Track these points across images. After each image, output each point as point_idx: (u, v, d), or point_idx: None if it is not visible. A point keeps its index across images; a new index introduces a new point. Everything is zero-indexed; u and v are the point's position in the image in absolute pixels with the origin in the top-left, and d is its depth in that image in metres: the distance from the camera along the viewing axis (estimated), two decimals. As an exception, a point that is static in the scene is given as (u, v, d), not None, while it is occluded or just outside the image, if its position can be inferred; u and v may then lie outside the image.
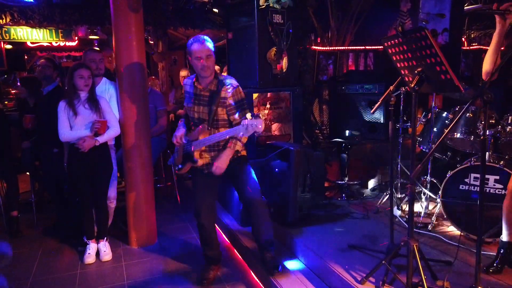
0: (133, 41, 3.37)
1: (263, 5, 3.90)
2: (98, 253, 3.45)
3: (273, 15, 4.08)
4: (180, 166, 2.94)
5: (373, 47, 6.77)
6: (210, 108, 2.74)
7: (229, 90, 2.72)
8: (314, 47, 6.21)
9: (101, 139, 3.24)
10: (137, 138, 3.49)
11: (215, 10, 5.70)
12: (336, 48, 6.37)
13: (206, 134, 2.76)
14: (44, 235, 4.02)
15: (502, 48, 2.31)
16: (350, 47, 6.55)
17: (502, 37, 2.21)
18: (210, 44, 2.71)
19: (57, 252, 3.62)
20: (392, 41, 2.26)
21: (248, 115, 2.43)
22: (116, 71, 3.46)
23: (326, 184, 4.28)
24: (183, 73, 5.81)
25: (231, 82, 2.77)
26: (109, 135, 3.31)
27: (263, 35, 4.08)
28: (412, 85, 2.18)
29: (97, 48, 6.63)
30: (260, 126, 2.39)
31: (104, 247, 3.45)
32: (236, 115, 2.72)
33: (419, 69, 2.15)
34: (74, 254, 3.56)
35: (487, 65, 2.29)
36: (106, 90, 3.63)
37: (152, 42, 6.76)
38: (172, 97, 6.36)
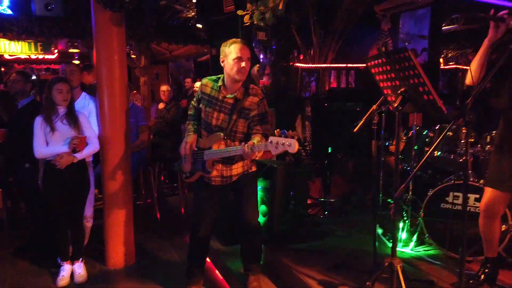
0: (115, 55, 3.31)
1: (248, 22, 3.92)
2: (72, 275, 3.30)
3: (257, 32, 4.11)
4: (188, 174, 2.77)
5: (354, 65, 6.88)
6: (231, 118, 2.58)
7: (255, 101, 2.59)
8: (297, 64, 6.27)
9: (79, 156, 3.14)
10: (117, 154, 3.40)
11: (199, 25, 5.71)
12: (319, 65, 6.44)
13: (222, 144, 2.58)
14: (16, 255, 3.83)
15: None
16: (332, 65, 6.64)
17: (491, 44, 2.25)
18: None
19: (29, 274, 3.45)
20: (376, 61, 2.28)
21: (277, 131, 2.33)
22: (97, 85, 3.39)
23: (309, 201, 4.26)
24: (164, 87, 5.75)
25: (257, 92, 2.63)
26: (88, 152, 3.21)
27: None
28: (395, 105, 2.19)
29: (77, 62, 6.53)
30: (293, 146, 2.17)
31: (79, 268, 3.31)
32: (258, 127, 2.57)
33: (402, 89, 2.17)
34: (47, 276, 3.39)
35: (472, 71, 2.32)
36: (86, 105, 3.54)
37: (134, 57, 6.70)
38: (154, 111, 6.28)
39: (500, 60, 1.95)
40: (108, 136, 3.37)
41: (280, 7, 3.54)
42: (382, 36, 6.29)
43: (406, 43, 5.58)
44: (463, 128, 3.09)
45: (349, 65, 6.81)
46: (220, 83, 2.65)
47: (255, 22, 3.93)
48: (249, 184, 2.76)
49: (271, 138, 2.27)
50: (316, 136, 5.43)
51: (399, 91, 2.19)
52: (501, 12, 2.21)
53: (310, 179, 4.53)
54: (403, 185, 2.06)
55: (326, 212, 4.22)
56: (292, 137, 2.25)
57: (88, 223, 3.51)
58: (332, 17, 6.24)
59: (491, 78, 2.07)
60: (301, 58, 6.61)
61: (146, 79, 6.72)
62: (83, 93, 3.61)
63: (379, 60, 2.24)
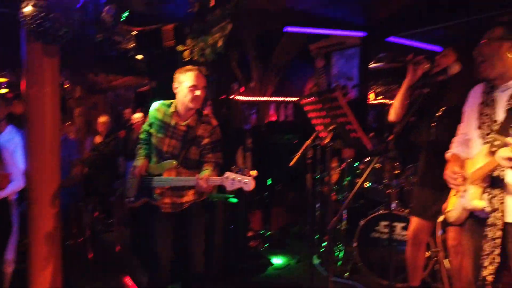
0: (47, 87, 3.16)
1: (188, 58, 3.98)
2: (-11, 327, 2.96)
3: (198, 67, 4.16)
4: (132, 199, 2.64)
5: (292, 99, 7.19)
6: (184, 145, 2.53)
7: (207, 129, 2.56)
8: (237, 97, 6.42)
9: (1, 194, 2.90)
10: (45, 190, 3.18)
11: (140, 56, 5.66)
12: (259, 98, 6.65)
13: (173, 172, 2.50)
14: None
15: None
16: (271, 98, 6.89)
17: (410, 85, 2.46)
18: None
19: None
20: (308, 99, 2.43)
21: (234, 168, 2.30)
22: (26, 118, 3.19)
23: (249, 234, 4.27)
24: (102, 119, 5.56)
25: (210, 120, 2.62)
26: (11, 189, 2.98)
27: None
28: (326, 141, 2.33)
29: (4, 90, 6.12)
30: (249, 185, 2.22)
31: (-2, 318, 2.99)
32: (210, 155, 2.54)
33: (332, 127, 2.32)
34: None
35: (395, 108, 2.54)
36: (11, 139, 3.31)
37: (69, 87, 6.43)
38: (89, 144, 6.01)
39: (415, 102, 2.17)
40: (36, 171, 3.16)
41: (219, 44, 3.66)
42: (316, 72, 6.68)
43: (340, 81, 5.99)
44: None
45: (287, 98, 7.11)
46: (172, 109, 2.61)
47: (195, 58, 4.01)
48: (199, 214, 2.69)
49: (227, 174, 2.28)
50: (256, 168, 5.52)
51: (329, 128, 2.33)
52: (418, 57, 2.47)
53: (250, 211, 4.56)
54: (336, 217, 2.17)
55: (266, 245, 4.25)
56: (249, 175, 2.27)
57: (9, 268, 3.20)
58: (270, 53, 6.54)
59: (415, 114, 2.29)
60: (242, 91, 6.79)
61: (82, 110, 6.46)
62: (9, 126, 3.38)
63: (311, 99, 2.38)
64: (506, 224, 1.75)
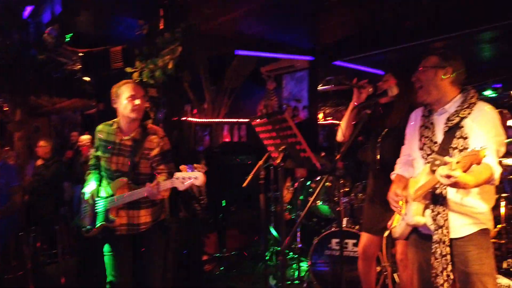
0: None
1: (137, 79, 3.91)
2: None
3: (148, 88, 4.10)
4: (88, 227, 2.49)
5: (245, 120, 7.27)
6: (132, 160, 2.45)
7: (155, 140, 2.49)
8: (190, 118, 6.38)
9: None
10: (-21, 222, 2.94)
11: (87, 78, 5.48)
12: (212, 120, 6.65)
13: (125, 189, 2.41)
14: None
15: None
16: (224, 120, 6.91)
17: (355, 107, 2.59)
18: None
19: None
20: (259, 121, 2.47)
21: (183, 167, 2.24)
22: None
23: (204, 257, 4.18)
24: (42, 143, 5.26)
25: (157, 131, 2.55)
26: None
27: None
28: (278, 162, 2.36)
29: None
30: (199, 179, 2.19)
31: None
32: (162, 167, 2.47)
33: (283, 147, 2.36)
34: None
35: (342, 129, 2.64)
36: None
37: (8, 109, 6.05)
38: (30, 169, 5.65)
39: (360, 123, 2.28)
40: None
41: (169, 66, 3.64)
42: (268, 94, 6.83)
43: (290, 103, 6.18)
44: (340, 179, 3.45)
45: (240, 120, 7.17)
46: (115, 126, 2.55)
47: (145, 79, 3.96)
48: (157, 236, 2.58)
49: (176, 174, 2.23)
50: (210, 190, 5.47)
51: (280, 149, 2.37)
52: (362, 81, 2.61)
53: (204, 234, 4.48)
54: (287, 237, 2.18)
55: (222, 268, 4.18)
56: (199, 171, 2.24)
57: None
58: (223, 75, 6.61)
59: (362, 134, 2.39)
60: (195, 112, 6.76)
61: (22, 134, 6.08)
62: None
63: (262, 120, 2.43)
64: (451, 240, 1.85)
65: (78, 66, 5.40)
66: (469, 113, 1.85)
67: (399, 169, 2.18)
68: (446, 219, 1.84)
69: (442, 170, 1.57)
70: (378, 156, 2.64)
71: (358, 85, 2.59)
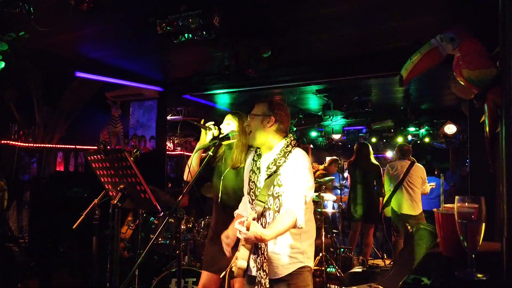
0: None
1: None
2: None
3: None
4: None
5: (84, 147, 6.63)
6: None
7: None
8: (13, 142, 5.47)
9: None
10: None
11: None
12: (42, 145, 5.84)
13: None
14: None
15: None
16: (59, 145, 6.15)
17: (201, 147, 2.62)
18: None
19: None
20: (95, 156, 2.26)
21: None
22: None
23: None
24: None
25: None
26: None
27: None
28: (115, 201, 2.19)
29: None
30: None
31: None
32: None
33: (122, 186, 2.21)
34: None
35: (189, 169, 2.62)
36: None
37: None
38: None
39: (204, 161, 2.31)
40: None
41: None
42: (112, 121, 6.41)
43: (137, 131, 5.92)
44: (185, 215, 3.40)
45: (78, 146, 6.50)
46: None
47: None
48: None
49: None
50: (35, 227, 4.71)
51: (118, 188, 2.21)
52: (209, 123, 2.68)
53: (21, 281, 3.78)
54: (128, 277, 2.00)
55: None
56: None
57: None
58: (59, 96, 5.93)
59: (206, 171, 2.39)
60: (21, 134, 5.83)
61: None
62: None
63: (99, 156, 2.23)
64: (271, 281, 1.94)
65: None
66: (284, 162, 1.97)
67: (240, 208, 2.25)
68: (265, 262, 1.90)
69: (237, 225, 1.67)
70: (221, 193, 2.71)
71: (204, 126, 2.66)
